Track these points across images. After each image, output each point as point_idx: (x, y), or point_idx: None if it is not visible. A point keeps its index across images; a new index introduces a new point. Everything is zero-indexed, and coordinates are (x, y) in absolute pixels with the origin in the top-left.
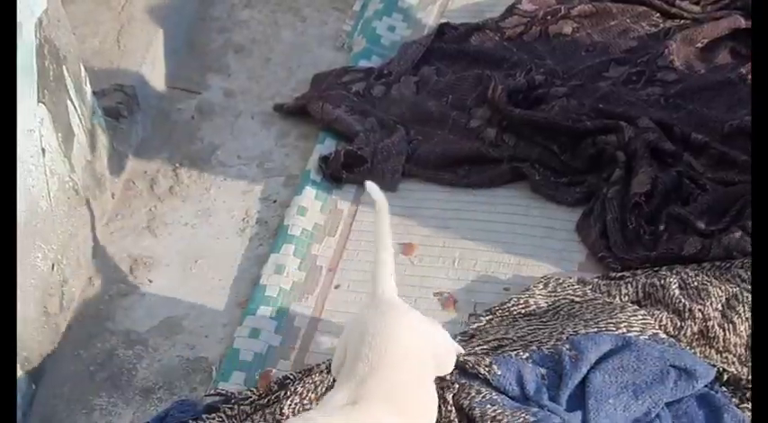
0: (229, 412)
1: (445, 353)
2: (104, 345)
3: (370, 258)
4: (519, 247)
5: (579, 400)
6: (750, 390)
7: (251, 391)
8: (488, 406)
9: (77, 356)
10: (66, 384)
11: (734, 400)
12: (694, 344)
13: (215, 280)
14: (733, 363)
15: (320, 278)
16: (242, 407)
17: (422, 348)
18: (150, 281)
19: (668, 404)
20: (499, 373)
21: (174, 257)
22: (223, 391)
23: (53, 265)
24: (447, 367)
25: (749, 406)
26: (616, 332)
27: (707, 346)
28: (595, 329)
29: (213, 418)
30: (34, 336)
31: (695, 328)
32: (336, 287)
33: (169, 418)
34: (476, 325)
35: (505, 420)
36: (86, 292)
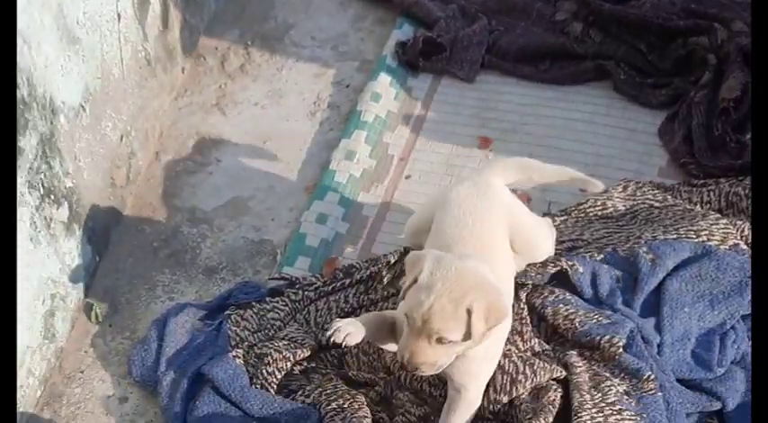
0: (293, 297)
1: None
2: (169, 221)
3: (443, 150)
4: (598, 147)
5: (653, 306)
6: None
7: (316, 277)
8: (561, 305)
9: (141, 231)
10: (129, 259)
11: None
12: None
13: (283, 162)
14: None
15: (391, 167)
16: (306, 292)
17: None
18: (218, 160)
19: (744, 317)
20: (581, 270)
21: (243, 137)
22: (287, 276)
23: (122, 137)
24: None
25: None
26: (696, 240)
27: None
28: (675, 236)
29: (277, 302)
30: (100, 207)
31: None
32: (407, 177)
33: (232, 298)
34: None
35: (578, 320)
36: (152, 167)
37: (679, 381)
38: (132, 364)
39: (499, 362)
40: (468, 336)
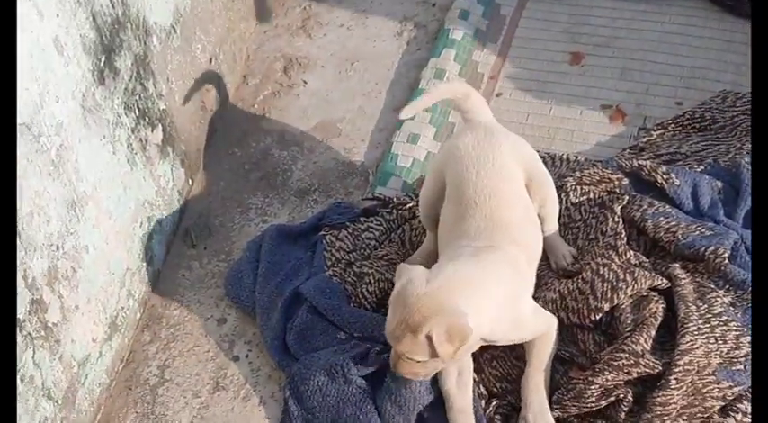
0: (388, 217)
1: (543, 171)
2: (259, 144)
3: (534, 66)
4: (693, 59)
5: None
6: None
7: (409, 196)
8: (662, 218)
9: (232, 155)
10: (221, 182)
11: None
12: None
13: (371, 83)
14: None
15: (481, 85)
16: (401, 212)
17: (520, 172)
18: (305, 82)
19: None
20: (677, 182)
21: (329, 59)
22: (381, 196)
23: (211, 59)
24: (546, 189)
25: None
26: None
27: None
28: None
29: (371, 222)
30: (192, 130)
31: None
32: (498, 95)
33: (326, 219)
34: (646, 139)
35: (680, 233)
36: (241, 90)
37: None
38: (229, 285)
39: (598, 269)
40: (435, 356)
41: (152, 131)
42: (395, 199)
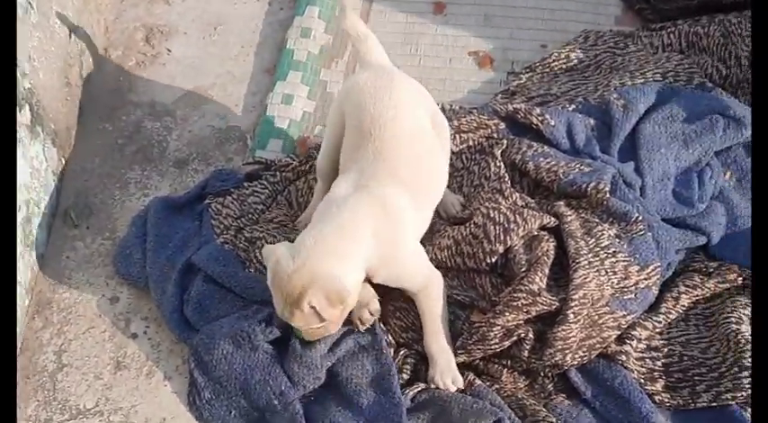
0: (272, 179)
1: (442, 117)
2: (129, 117)
3: (399, 19)
4: (553, 2)
5: (630, 151)
6: None
7: (290, 157)
8: (541, 159)
9: (103, 130)
10: (95, 158)
11: None
12: (739, 92)
13: (237, 46)
14: None
15: (349, 42)
16: (284, 173)
17: (422, 112)
18: (169, 50)
19: (717, 153)
20: (552, 123)
21: (191, 25)
22: (262, 159)
23: (70, 33)
24: (445, 133)
25: None
26: (663, 82)
27: (750, 95)
28: (642, 80)
29: (255, 186)
30: (59, 108)
31: (740, 76)
32: None
33: (209, 187)
34: (516, 82)
35: (561, 171)
36: (103, 63)
37: (664, 220)
38: (118, 263)
39: (489, 213)
40: (323, 320)
41: (20, 112)
42: (277, 161)
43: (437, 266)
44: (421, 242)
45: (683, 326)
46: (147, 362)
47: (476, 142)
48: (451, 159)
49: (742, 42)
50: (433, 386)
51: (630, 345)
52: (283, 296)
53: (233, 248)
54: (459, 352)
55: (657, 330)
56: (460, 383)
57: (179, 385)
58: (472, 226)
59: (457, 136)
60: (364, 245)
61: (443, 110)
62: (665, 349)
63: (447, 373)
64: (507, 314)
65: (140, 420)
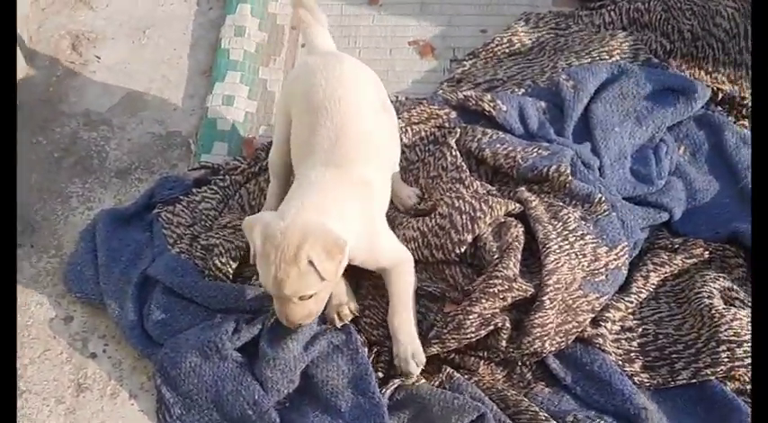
0: (221, 184)
1: (390, 104)
2: (64, 129)
3: (334, 12)
4: None
5: (583, 132)
6: (745, 107)
7: (238, 160)
8: (498, 145)
9: (37, 144)
10: (32, 174)
11: (730, 118)
12: (684, 67)
13: (169, 49)
14: (723, 82)
15: (284, 38)
16: (234, 177)
17: (370, 88)
18: (98, 57)
19: (669, 128)
20: (504, 108)
21: (119, 30)
22: (209, 164)
23: None
24: (394, 120)
25: (746, 123)
26: (610, 61)
27: (696, 68)
28: (588, 60)
29: (205, 192)
30: None
31: (684, 50)
32: (303, 46)
33: (157, 196)
34: (460, 70)
35: (519, 157)
36: (30, 75)
37: (625, 199)
38: (70, 281)
39: (453, 203)
40: (323, 278)
41: None
42: (224, 165)
43: None
44: None
45: (654, 304)
46: (109, 381)
47: (428, 133)
48: (405, 152)
49: (683, 16)
50: (396, 364)
51: (605, 327)
52: (277, 256)
53: (189, 258)
54: (433, 342)
55: (630, 311)
56: (422, 360)
57: (146, 403)
58: (437, 217)
59: (408, 129)
60: (351, 219)
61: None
62: (640, 329)
63: (410, 348)
64: (484, 301)
65: None
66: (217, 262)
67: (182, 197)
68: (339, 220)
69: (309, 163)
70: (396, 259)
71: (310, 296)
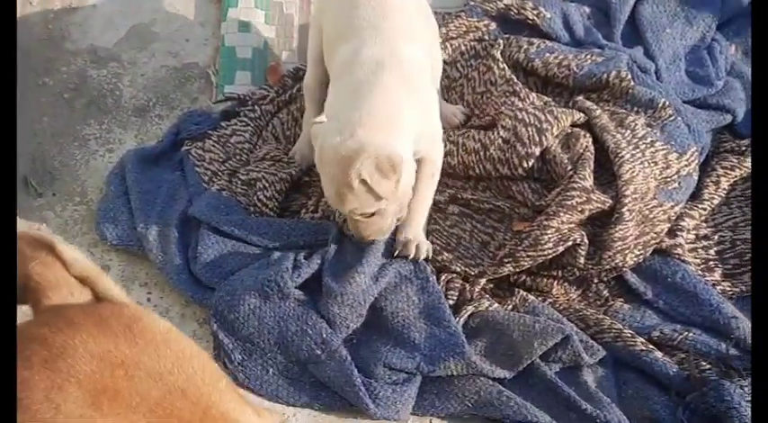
0: (252, 115)
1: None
2: (70, 67)
3: None
4: None
5: (632, 36)
6: None
7: (264, 89)
8: (548, 54)
9: (44, 85)
10: (43, 118)
11: None
12: None
13: None
14: None
15: None
16: (264, 107)
17: None
18: None
19: (719, 27)
20: (548, 16)
21: None
22: (234, 95)
23: None
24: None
25: None
26: None
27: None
28: None
29: (235, 124)
30: None
31: None
32: None
33: (183, 132)
34: None
35: (574, 64)
36: (27, 13)
37: (685, 102)
38: (102, 227)
39: (516, 115)
40: (380, 198)
41: None
42: (251, 94)
43: (464, 173)
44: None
45: (727, 210)
46: None
47: (468, 47)
48: (446, 70)
49: None
50: (398, 247)
51: (682, 236)
52: (330, 176)
53: (231, 195)
54: (505, 261)
55: (703, 218)
56: (426, 248)
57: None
58: (501, 130)
59: (447, 44)
60: (409, 125)
61: None
62: (716, 237)
63: (417, 235)
64: (562, 214)
65: None
66: (261, 196)
67: (210, 132)
68: (396, 129)
69: (358, 41)
70: (436, 152)
71: (373, 214)
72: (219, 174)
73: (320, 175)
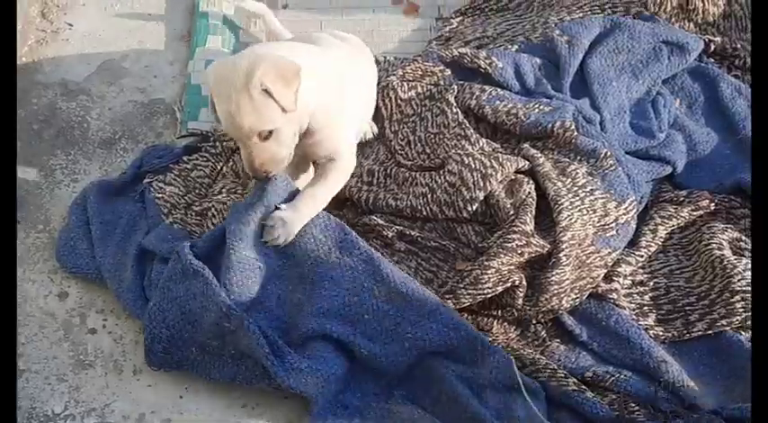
0: (213, 150)
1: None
2: (41, 100)
3: None
4: None
5: (580, 87)
6: (737, 58)
7: None
8: (498, 102)
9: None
10: None
11: (722, 69)
12: (674, 19)
13: (144, 14)
14: (713, 33)
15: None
16: (225, 143)
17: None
18: (70, 24)
19: (665, 81)
20: (500, 65)
21: None
22: (197, 131)
23: None
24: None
25: (739, 74)
26: (602, 14)
27: (686, 20)
28: (580, 14)
29: (196, 159)
30: None
31: (674, 2)
32: (284, 7)
33: (146, 165)
34: (448, 28)
35: (521, 113)
36: None
37: (627, 153)
38: (63, 256)
39: (463, 160)
40: (283, 110)
41: None
42: (214, 131)
43: (411, 215)
44: (389, 190)
45: (663, 257)
46: (111, 357)
47: (424, 89)
48: (401, 106)
49: None
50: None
51: (618, 282)
52: (229, 87)
53: (183, 227)
54: (446, 297)
55: (640, 265)
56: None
57: (152, 378)
58: (447, 174)
59: (404, 84)
60: (313, 68)
61: (379, 62)
62: (651, 283)
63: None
64: (502, 256)
65: (118, 419)
66: (210, 224)
67: (172, 166)
68: (295, 56)
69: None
70: (345, 153)
71: (270, 133)
72: (177, 207)
73: (213, 98)
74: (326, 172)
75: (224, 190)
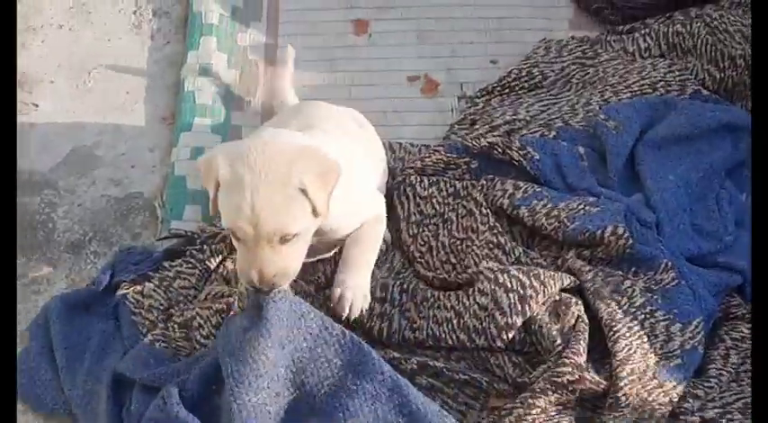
0: (199, 256)
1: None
2: None
3: (315, 43)
4: (497, 9)
5: (631, 181)
6: None
7: (217, 226)
8: (535, 202)
9: None
10: None
11: None
12: (735, 97)
13: (121, 93)
14: None
15: (258, 74)
16: (214, 246)
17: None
18: (36, 105)
19: (729, 172)
20: (537, 156)
21: (59, 71)
22: (181, 232)
23: None
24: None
25: None
26: (653, 94)
27: (749, 99)
28: (629, 94)
29: (179, 266)
30: None
31: (736, 79)
32: None
33: (119, 274)
34: (473, 109)
35: (564, 216)
36: None
37: (688, 260)
38: (23, 390)
39: (497, 278)
40: (315, 213)
41: None
42: (200, 232)
43: (433, 344)
44: (405, 312)
45: (737, 388)
46: None
47: (447, 185)
48: (419, 205)
49: (732, 39)
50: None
51: (685, 420)
52: (254, 181)
53: (166, 345)
54: None
55: (710, 398)
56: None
57: None
58: (477, 294)
59: (423, 179)
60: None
61: (393, 150)
62: (723, 420)
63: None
64: (550, 393)
65: None
66: (198, 336)
67: (151, 274)
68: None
69: None
70: (375, 210)
71: (290, 239)
72: (158, 322)
73: (224, 191)
74: (360, 235)
75: (209, 296)
